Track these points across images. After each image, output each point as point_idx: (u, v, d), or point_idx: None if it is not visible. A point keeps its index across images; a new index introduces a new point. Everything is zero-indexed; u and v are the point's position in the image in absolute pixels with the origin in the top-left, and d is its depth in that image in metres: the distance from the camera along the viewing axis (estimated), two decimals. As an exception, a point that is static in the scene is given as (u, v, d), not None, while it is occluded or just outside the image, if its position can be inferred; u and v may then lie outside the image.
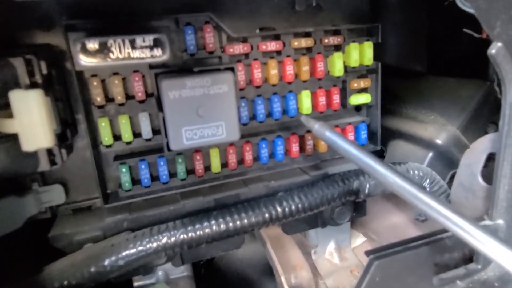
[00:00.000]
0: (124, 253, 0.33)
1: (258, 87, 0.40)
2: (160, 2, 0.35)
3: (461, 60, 0.57)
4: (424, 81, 0.60)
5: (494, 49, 0.28)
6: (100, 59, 0.28)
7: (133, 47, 0.29)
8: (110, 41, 0.28)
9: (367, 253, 0.30)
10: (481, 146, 0.37)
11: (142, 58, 0.29)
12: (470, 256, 0.36)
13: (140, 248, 0.33)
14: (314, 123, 0.36)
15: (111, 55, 0.28)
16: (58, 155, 0.31)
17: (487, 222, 0.34)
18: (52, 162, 0.31)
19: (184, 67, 0.36)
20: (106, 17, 0.32)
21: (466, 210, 0.40)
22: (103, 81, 0.35)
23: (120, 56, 0.29)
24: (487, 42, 0.30)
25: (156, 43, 0.29)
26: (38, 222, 0.36)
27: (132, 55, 0.29)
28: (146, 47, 0.29)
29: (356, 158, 0.31)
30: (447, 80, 0.57)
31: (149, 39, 0.29)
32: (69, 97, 0.35)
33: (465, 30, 0.34)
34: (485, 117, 0.52)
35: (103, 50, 0.28)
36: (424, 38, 0.61)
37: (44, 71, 0.29)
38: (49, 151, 0.30)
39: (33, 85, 0.28)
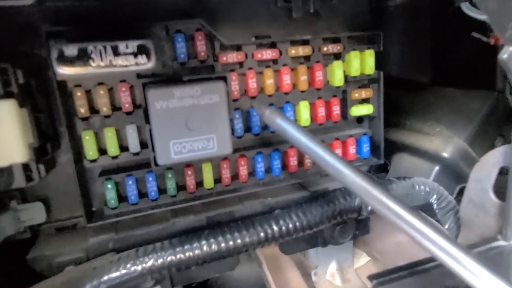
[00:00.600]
0: (106, 277, 0.30)
1: (253, 97, 0.38)
2: (148, 8, 0.33)
3: (466, 70, 0.55)
4: (429, 92, 0.58)
5: (506, 54, 0.26)
6: (79, 67, 0.26)
7: (116, 54, 0.27)
8: (90, 48, 0.26)
9: (371, 278, 0.28)
10: (492, 160, 0.35)
11: (126, 66, 0.27)
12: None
13: (124, 271, 0.31)
14: (265, 109, 0.33)
15: (91, 62, 0.26)
16: (35, 171, 0.29)
17: (500, 242, 0.32)
18: (29, 178, 0.28)
19: (174, 76, 0.34)
20: (90, 24, 0.31)
21: (477, 228, 0.37)
22: (88, 91, 0.33)
23: (102, 64, 0.27)
24: (494, 51, 0.28)
25: (141, 50, 0.27)
26: (18, 243, 0.34)
27: (114, 63, 0.27)
28: (129, 54, 0.27)
29: (307, 148, 0.29)
30: (452, 91, 0.55)
31: (132, 45, 0.27)
32: (51, 109, 0.33)
33: (473, 34, 0.32)
34: (493, 129, 0.50)
35: (83, 57, 0.26)
36: (428, 48, 0.60)
37: (21, 81, 0.27)
38: (25, 167, 0.28)
39: (7, 95, 0.26)
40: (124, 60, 0.27)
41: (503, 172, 0.34)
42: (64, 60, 0.26)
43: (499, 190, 0.35)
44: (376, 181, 0.25)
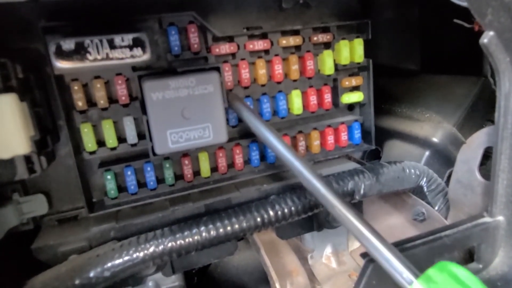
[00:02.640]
0: (109, 264, 0.32)
1: (246, 87, 0.39)
2: (141, 1, 0.34)
3: (454, 57, 0.57)
4: (418, 79, 0.60)
5: (486, 38, 0.27)
6: (77, 61, 0.27)
7: (112, 47, 0.28)
8: (87, 41, 0.27)
9: (363, 255, 0.29)
10: (477, 141, 0.36)
11: (122, 59, 0.28)
12: (470, 255, 0.35)
13: (127, 258, 0.32)
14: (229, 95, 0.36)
15: (88, 56, 0.27)
16: (37, 163, 0.29)
17: (486, 219, 0.33)
18: (31, 170, 0.29)
19: (168, 69, 0.35)
20: (86, 18, 0.31)
21: (465, 207, 0.39)
22: (85, 85, 0.34)
23: (99, 57, 0.28)
24: (479, 37, 0.29)
25: (136, 43, 0.28)
26: (21, 234, 0.35)
27: (111, 56, 0.28)
28: (125, 46, 0.28)
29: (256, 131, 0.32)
30: (441, 78, 0.57)
31: (128, 38, 0.28)
32: (49, 103, 0.33)
33: (455, 20, 0.33)
34: (481, 114, 0.52)
35: (80, 51, 0.27)
36: (416, 36, 0.61)
37: (20, 75, 0.28)
38: (27, 159, 0.29)
39: (7, 90, 0.27)
40: (120, 53, 0.28)
41: (488, 152, 0.35)
42: (62, 54, 0.27)
43: (485, 170, 0.37)
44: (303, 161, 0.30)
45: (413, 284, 0.24)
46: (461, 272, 0.24)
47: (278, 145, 0.32)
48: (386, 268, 0.25)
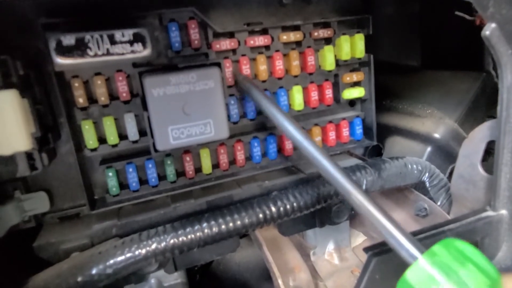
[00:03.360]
0: (112, 261, 0.31)
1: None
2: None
3: (455, 53, 0.56)
4: (419, 75, 0.60)
5: (488, 31, 0.27)
6: (78, 57, 0.27)
7: (112, 42, 0.28)
8: (88, 37, 0.27)
9: (366, 250, 0.29)
10: (480, 135, 0.36)
11: (123, 54, 0.28)
12: (474, 249, 0.35)
13: (129, 255, 0.32)
14: (239, 75, 0.37)
15: (89, 51, 0.27)
16: (39, 160, 0.29)
17: (489, 213, 0.33)
18: (32, 167, 0.29)
19: (169, 65, 0.35)
20: (86, 15, 0.31)
21: (468, 202, 0.39)
22: (85, 82, 0.34)
23: (99, 53, 0.27)
24: (481, 32, 0.29)
25: (137, 38, 0.28)
26: (23, 232, 0.35)
27: (111, 51, 0.28)
28: (126, 42, 0.28)
29: (268, 110, 0.33)
30: (442, 74, 0.57)
31: (128, 33, 0.28)
32: (50, 100, 0.33)
33: (457, 13, 0.33)
34: (482, 109, 0.52)
35: (80, 46, 0.27)
36: (417, 32, 0.60)
37: (21, 72, 0.28)
38: (29, 156, 0.29)
39: (8, 86, 0.27)
40: (120, 49, 0.28)
41: (490, 146, 0.35)
42: (62, 50, 0.27)
43: (488, 164, 0.36)
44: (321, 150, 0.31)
45: (418, 259, 0.24)
46: (467, 248, 0.24)
47: (289, 126, 0.32)
48: (392, 245, 0.25)
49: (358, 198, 0.27)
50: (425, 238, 0.30)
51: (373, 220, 0.26)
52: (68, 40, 0.26)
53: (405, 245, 0.24)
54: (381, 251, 0.29)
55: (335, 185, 0.28)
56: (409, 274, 0.23)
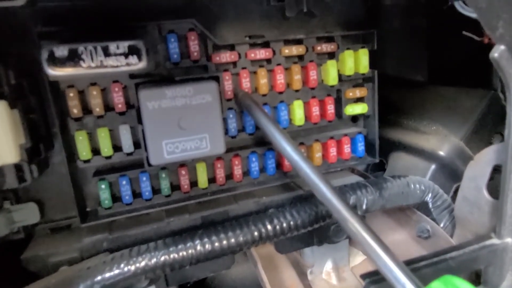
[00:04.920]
0: (100, 277, 0.30)
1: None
2: (140, 8, 0.33)
3: (462, 69, 0.55)
4: (425, 91, 0.58)
5: (496, 52, 0.26)
6: (70, 68, 0.26)
7: (107, 54, 0.27)
8: (81, 48, 0.26)
9: (363, 276, 0.28)
10: (486, 158, 0.35)
11: (117, 67, 0.27)
12: (478, 277, 0.33)
13: (118, 271, 0.31)
14: (239, 91, 0.36)
15: (82, 63, 0.26)
16: (28, 172, 0.29)
17: (494, 240, 0.32)
18: (21, 179, 0.28)
19: (167, 77, 0.34)
20: (83, 24, 0.31)
21: (472, 226, 0.37)
22: (81, 92, 0.33)
23: (93, 65, 0.27)
24: (489, 49, 0.28)
25: (132, 50, 0.27)
26: (12, 243, 0.34)
27: (105, 63, 0.27)
28: (120, 54, 0.27)
29: (267, 130, 0.32)
30: (448, 90, 0.55)
31: (123, 46, 0.27)
32: (44, 110, 0.33)
33: (464, 33, 0.32)
34: (489, 127, 0.50)
35: (73, 58, 0.26)
36: (424, 47, 0.59)
37: (12, 81, 0.27)
38: (18, 167, 0.28)
39: (-2, 96, 0.26)
40: (115, 61, 0.27)
41: (497, 170, 0.34)
42: (55, 61, 0.26)
43: (493, 188, 0.35)
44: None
45: None
46: (467, 287, 0.23)
47: (287, 147, 0.31)
48: (389, 279, 0.24)
49: (354, 225, 0.25)
50: (426, 266, 0.29)
51: (369, 251, 0.24)
52: (61, 51, 0.26)
53: (402, 281, 0.23)
54: (379, 279, 0.28)
55: (330, 209, 0.27)
56: None
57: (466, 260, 0.30)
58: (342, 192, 0.38)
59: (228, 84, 0.36)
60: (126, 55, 0.27)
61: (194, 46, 0.34)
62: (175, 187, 0.37)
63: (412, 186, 0.41)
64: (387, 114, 0.55)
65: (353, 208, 0.37)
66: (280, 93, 0.38)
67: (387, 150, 0.52)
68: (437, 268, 0.29)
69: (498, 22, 0.25)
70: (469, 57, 0.53)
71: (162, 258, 0.32)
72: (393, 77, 0.61)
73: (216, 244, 0.33)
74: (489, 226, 0.35)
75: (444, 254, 0.30)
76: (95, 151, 0.34)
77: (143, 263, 0.31)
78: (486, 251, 0.31)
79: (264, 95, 0.38)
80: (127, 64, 0.27)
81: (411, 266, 0.29)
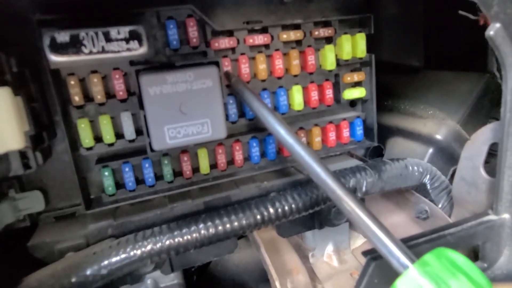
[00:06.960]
0: (106, 262, 0.31)
1: (246, 82, 0.38)
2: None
3: (459, 53, 0.56)
4: (421, 76, 0.59)
5: (492, 31, 0.26)
6: (72, 54, 0.27)
7: (108, 39, 0.27)
8: (82, 34, 0.26)
9: (365, 253, 0.28)
10: (482, 137, 0.35)
11: (118, 52, 0.27)
12: (475, 253, 0.34)
13: (124, 255, 0.31)
14: (232, 77, 0.35)
15: (83, 49, 0.27)
16: (33, 159, 0.29)
17: (491, 216, 0.32)
18: (26, 166, 0.29)
19: (167, 63, 0.34)
20: (81, 11, 0.31)
21: (469, 205, 0.38)
22: (81, 80, 0.33)
23: (94, 50, 0.27)
24: (484, 32, 0.29)
25: (133, 35, 0.28)
26: (17, 231, 0.34)
27: (106, 49, 0.27)
28: (121, 39, 0.27)
29: (260, 113, 0.32)
30: (445, 74, 0.56)
31: (124, 31, 0.27)
32: (45, 98, 0.33)
33: (460, 12, 0.32)
34: (485, 110, 0.51)
35: (75, 43, 0.26)
36: (420, 32, 0.60)
37: (15, 69, 0.28)
38: (22, 154, 0.28)
39: (1, 84, 0.26)
40: (116, 46, 0.27)
41: (493, 149, 0.34)
42: (57, 47, 0.26)
43: (490, 166, 0.36)
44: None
45: (409, 268, 0.23)
46: (459, 258, 0.23)
47: (281, 130, 0.31)
48: (383, 253, 0.25)
49: (349, 203, 0.26)
50: (425, 242, 0.30)
51: (363, 227, 0.25)
52: (62, 37, 0.26)
53: (396, 254, 0.24)
54: (380, 255, 0.28)
55: (325, 190, 0.28)
56: (399, 284, 0.23)
57: (464, 236, 0.31)
58: (342, 175, 0.39)
59: (227, 69, 0.36)
60: (127, 40, 0.27)
61: (193, 32, 0.35)
62: (177, 173, 0.38)
63: (410, 168, 0.42)
64: (384, 99, 0.55)
65: (353, 190, 0.38)
66: (279, 78, 0.39)
67: (385, 136, 0.53)
68: (435, 244, 0.30)
69: (493, 1, 0.26)
70: (464, 42, 0.54)
71: (167, 242, 0.32)
72: (389, 63, 0.61)
73: (220, 227, 0.33)
74: (486, 205, 0.36)
75: (442, 231, 0.31)
76: (98, 138, 0.35)
77: (148, 247, 0.32)
78: (483, 227, 0.32)
79: (263, 81, 0.38)
80: (128, 50, 0.28)
81: (410, 242, 0.30)
